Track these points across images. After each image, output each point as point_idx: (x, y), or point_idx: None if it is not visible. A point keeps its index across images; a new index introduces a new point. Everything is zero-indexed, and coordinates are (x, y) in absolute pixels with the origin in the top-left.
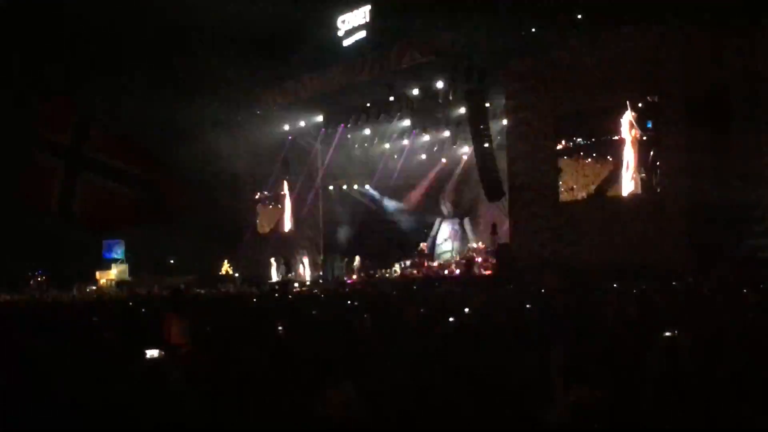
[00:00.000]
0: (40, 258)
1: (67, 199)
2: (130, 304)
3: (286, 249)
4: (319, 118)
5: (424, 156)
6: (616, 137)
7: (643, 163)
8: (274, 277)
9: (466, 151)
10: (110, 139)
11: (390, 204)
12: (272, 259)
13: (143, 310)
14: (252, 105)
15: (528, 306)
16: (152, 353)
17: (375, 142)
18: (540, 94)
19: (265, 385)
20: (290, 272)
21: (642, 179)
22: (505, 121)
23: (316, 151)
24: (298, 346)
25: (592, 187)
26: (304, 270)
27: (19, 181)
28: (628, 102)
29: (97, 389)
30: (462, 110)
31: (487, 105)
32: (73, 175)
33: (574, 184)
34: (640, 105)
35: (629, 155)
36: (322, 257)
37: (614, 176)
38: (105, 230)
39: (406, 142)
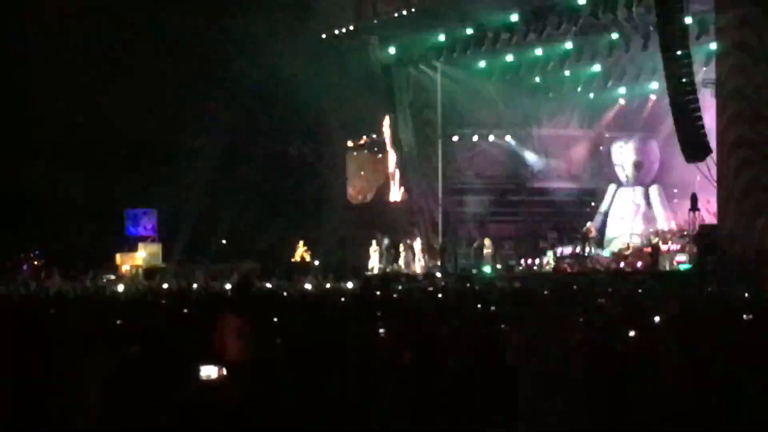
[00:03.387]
0: (37, 234)
1: None
2: (163, 302)
3: (391, 226)
4: (441, 38)
5: (591, 95)
6: None
7: None
8: (375, 266)
9: (653, 87)
10: None
11: (540, 164)
12: (374, 241)
13: (185, 311)
14: (342, 17)
15: (747, 317)
16: (208, 372)
17: (521, 73)
18: None
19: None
20: (397, 260)
21: None
22: (713, 45)
23: (435, 85)
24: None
25: None
26: (415, 257)
27: None
28: None
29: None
30: (650, 24)
31: (687, 20)
32: None
33: None
34: None
35: None
36: (440, 240)
37: None
38: None
39: (567, 73)
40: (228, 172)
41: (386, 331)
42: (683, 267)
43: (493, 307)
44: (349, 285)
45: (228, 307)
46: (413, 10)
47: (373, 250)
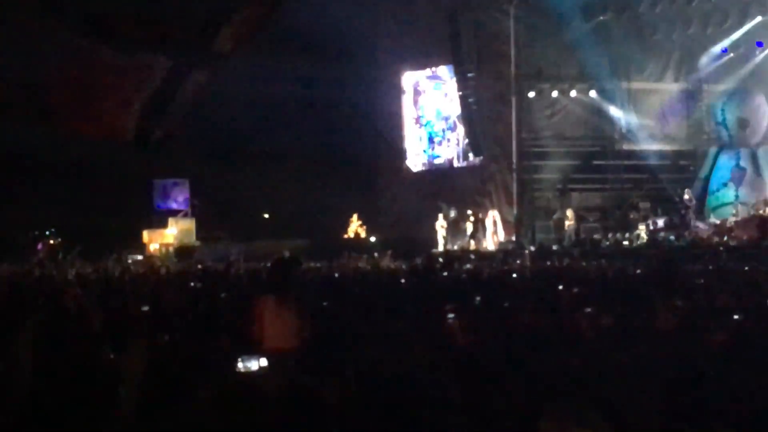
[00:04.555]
0: (55, 211)
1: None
2: (198, 285)
3: (459, 196)
4: None
5: (689, 41)
6: None
7: None
8: (441, 243)
9: (763, 31)
10: None
11: (630, 123)
12: (440, 215)
13: (223, 295)
14: None
15: None
16: (249, 363)
17: (606, 16)
18: None
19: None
20: (467, 235)
21: None
22: None
23: (508, 30)
24: (483, 355)
25: None
26: (486, 231)
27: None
28: None
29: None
30: None
31: None
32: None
33: None
34: None
35: None
36: (515, 212)
37: None
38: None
39: (660, 14)
40: (270, 135)
41: (451, 318)
42: None
43: (576, 289)
44: (410, 264)
45: (267, 291)
46: None
47: (441, 225)
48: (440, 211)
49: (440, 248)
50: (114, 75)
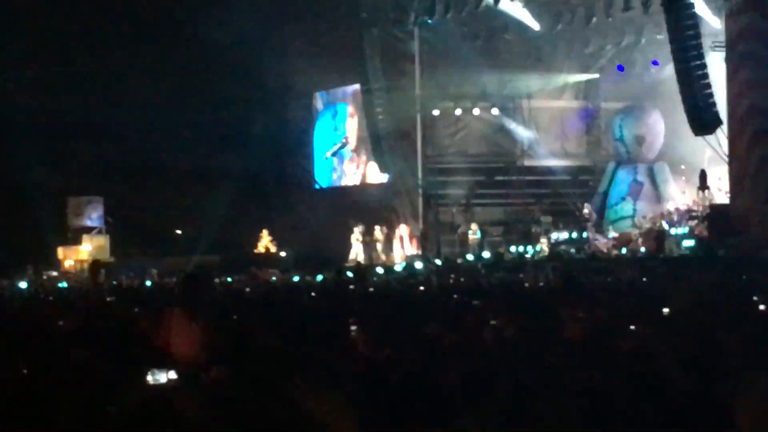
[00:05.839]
0: None
1: None
2: (108, 300)
3: (367, 211)
4: None
5: (587, 61)
6: None
7: None
8: (356, 256)
9: (656, 52)
10: None
11: (531, 139)
12: (356, 229)
13: (136, 310)
14: None
15: (763, 308)
16: (159, 376)
17: (508, 37)
18: None
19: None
20: (374, 249)
21: None
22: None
23: (412, 51)
24: (387, 367)
25: None
26: (394, 245)
27: None
28: None
29: None
30: None
31: None
32: None
33: None
34: None
35: None
36: (421, 226)
37: None
38: None
39: (560, 36)
40: (182, 154)
41: (358, 330)
42: (692, 251)
43: (477, 302)
44: (319, 277)
45: (175, 306)
46: None
47: (356, 239)
48: (355, 226)
49: (355, 260)
50: None
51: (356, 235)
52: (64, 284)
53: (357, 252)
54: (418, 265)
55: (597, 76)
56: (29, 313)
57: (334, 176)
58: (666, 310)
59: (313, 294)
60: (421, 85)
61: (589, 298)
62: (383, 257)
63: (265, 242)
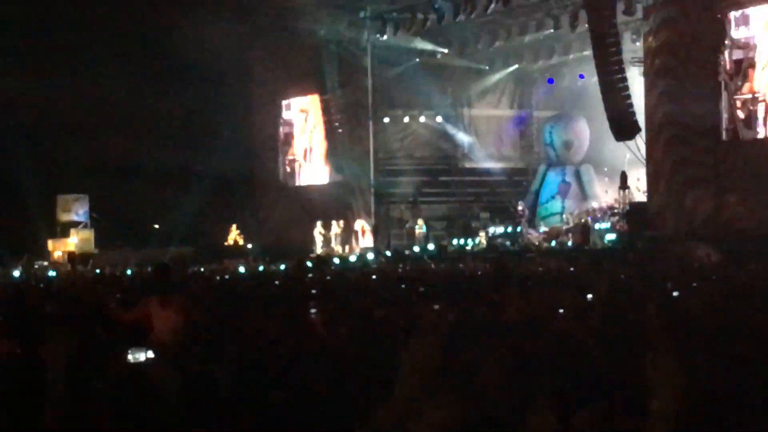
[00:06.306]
0: None
1: None
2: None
3: (327, 208)
4: (371, 19)
5: (521, 75)
6: None
7: None
8: (320, 249)
9: (582, 67)
10: None
11: (472, 144)
12: (318, 224)
13: (118, 296)
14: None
15: (676, 294)
16: (138, 355)
17: (451, 53)
18: None
19: (294, 401)
20: (342, 242)
21: None
22: (641, 22)
23: (366, 64)
24: (339, 349)
25: None
26: (350, 239)
27: None
28: None
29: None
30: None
31: None
32: None
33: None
34: None
35: None
36: (373, 222)
37: None
38: None
39: (497, 52)
40: (160, 155)
41: (315, 312)
42: (613, 244)
43: (422, 288)
44: (282, 267)
45: (152, 292)
46: None
47: (319, 232)
48: (322, 221)
49: (317, 252)
50: None
51: (319, 229)
52: (53, 273)
53: (320, 245)
54: (371, 255)
55: (530, 87)
56: (21, 298)
57: (299, 175)
58: (590, 296)
59: (276, 282)
60: (373, 96)
61: (522, 285)
62: (340, 249)
63: (233, 235)
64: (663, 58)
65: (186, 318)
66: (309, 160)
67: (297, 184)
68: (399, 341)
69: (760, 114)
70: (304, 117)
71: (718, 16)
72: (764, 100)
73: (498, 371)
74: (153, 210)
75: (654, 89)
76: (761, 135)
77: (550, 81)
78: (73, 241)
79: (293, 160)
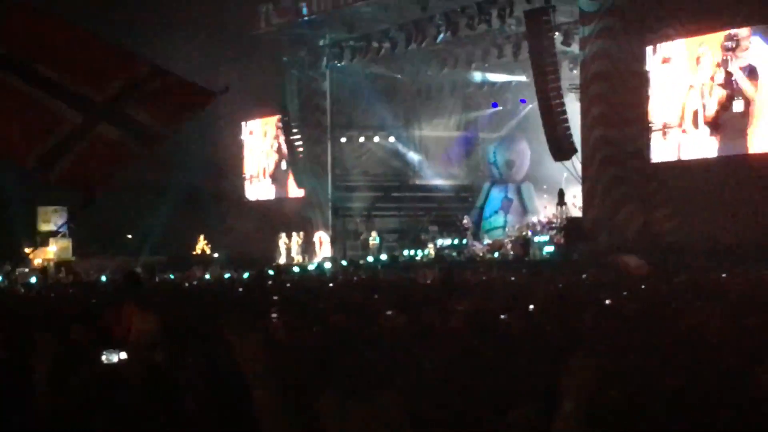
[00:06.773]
0: None
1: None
2: (71, 291)
3: (289, 221)
4: (329, 46)
5: (467, 99)
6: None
7: None
8: (283, 258)
9: (524, 92)
10: None
11: (422, 162)
12: (283, 235)
13: (93, 301)
14: (242, 25)
15: (608, 302)
16: (111, 356)
17: (403, 78)
18: (630, 15)
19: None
20: (302, 252)
21: None
22: (578, 53)
23: (324, 88)
24: (300, 349)
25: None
26: (308, 249)
27: None
28: None
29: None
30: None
31: (555, 30)
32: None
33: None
34: None
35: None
36: (330, 233)
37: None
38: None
39: (445, 79)
40: (131, 171)
41: (279, 317)
42: (551, 256)
43: (375, 295)
44: (246, 275)
45: (123, 297)
46: (305, 19)
47: (284, 242)
48: (286, 232)
49: (279, 261)
50: (28, 108)
51: (284, 239)
52: (33, 279)
53: (284, 255)
54: (328, 265)
55: (476, 111)
56: (5, 303)
57: (262, 190)
58: (531, 306)
59: (240, 289)
60: (331, 117)
61: (467, 293)
62: (301, 258)
63: (201, 245)
64: (597, 86)
65: (156, 323)
66: (266, 176)
67: (256, 199)
68: (353, 344)
69: (653, 143)
70: (262, 137)
71: (645, 47)
72: (659, 129)
73: (444, 370)
74: (127, 221)
75: (589, 114)
76: (674, 158)
77: (494, 105)
78: (52, 250)
79: (252, 177)
